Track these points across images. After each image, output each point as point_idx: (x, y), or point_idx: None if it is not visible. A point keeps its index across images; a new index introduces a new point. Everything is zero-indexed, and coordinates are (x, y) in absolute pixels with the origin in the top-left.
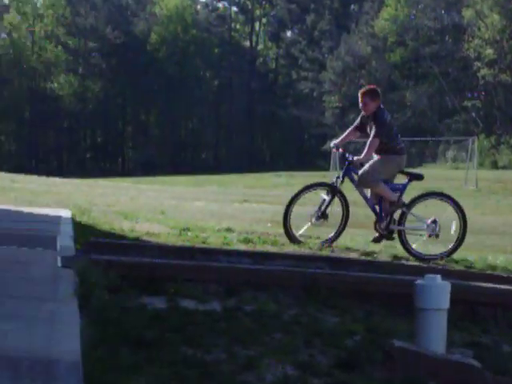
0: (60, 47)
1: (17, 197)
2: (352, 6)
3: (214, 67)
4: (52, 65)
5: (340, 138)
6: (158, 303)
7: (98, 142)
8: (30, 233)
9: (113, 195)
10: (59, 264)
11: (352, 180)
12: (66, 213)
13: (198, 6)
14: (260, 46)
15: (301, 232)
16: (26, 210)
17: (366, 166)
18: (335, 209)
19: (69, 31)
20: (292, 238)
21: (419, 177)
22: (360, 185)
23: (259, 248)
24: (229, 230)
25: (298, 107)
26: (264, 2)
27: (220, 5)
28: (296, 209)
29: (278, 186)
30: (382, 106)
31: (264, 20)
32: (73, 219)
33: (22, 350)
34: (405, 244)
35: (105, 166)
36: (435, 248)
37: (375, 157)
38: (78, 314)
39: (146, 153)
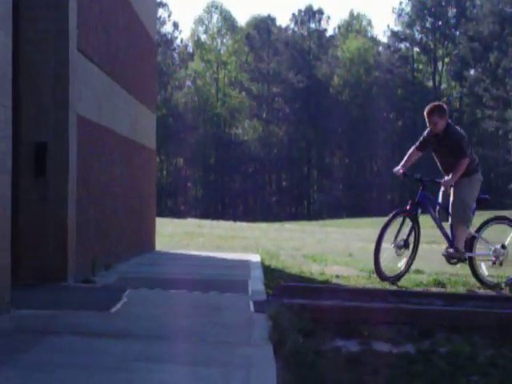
0: (244, 93)
1: (205, 242)
2: None
3: (398, 108)
4: (236, 111)
5: (403, 162)
6: (352, 346)
7: (284, 186)
8: (221, 278)
9: (300, 239)
10: (252, 309)
11: (426, 206)
12: (255, 257)
13: (380, 48)
14: (443, 86)
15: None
16: (216, 255)
17: (458, 201)
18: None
19: (252, 77)
20: (382, 276)
21: (485, 200)
22: (455, 223)
23: (450, 289)
24: (418, 271)
25: (483, 146)
26: (446, 42)
27: (402, 45)
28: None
29: None
30: (449, 121)
31: (447, 59)
32: (262, 263)
33: None
34: (475, 271)
35: (290, 210)
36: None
37: (462, 182)
38: (273, 358)
39: (332, 195)
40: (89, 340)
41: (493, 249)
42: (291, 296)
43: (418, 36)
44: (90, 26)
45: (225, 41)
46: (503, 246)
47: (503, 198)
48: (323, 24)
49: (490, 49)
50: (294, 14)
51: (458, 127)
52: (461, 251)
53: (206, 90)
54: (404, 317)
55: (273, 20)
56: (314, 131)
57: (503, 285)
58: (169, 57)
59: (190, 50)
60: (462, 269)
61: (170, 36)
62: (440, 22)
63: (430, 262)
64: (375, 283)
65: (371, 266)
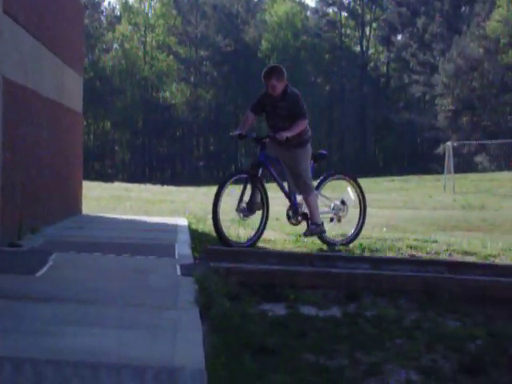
0: (171, 57)
1: (132, 206)
2: (463, 8)
3: (325, 73)
4: (164, 74)
5: (240, 125)
6: (278, 310)
7: (211, 150)
8: (148, 241)
9: (227, 202)
10: (178, 272)
11: (267, 166)
12: (182, 221)
13: (308, 12)
14: (371, 51)
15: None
16: (143, 218)
17: (297, 175)
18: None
19: (180, 40)
20: (223, 239)
21: (323, 156)
22: (304, 197)
23: (376, 253)
24: (344, 235)
25: (410, 111)
26: (374, 7)
27: (330, 10)
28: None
29: (392, 190)
30: (287, 83)
31: (374, 24)
32: (189, 227)
33: (145, 358)
34: None
35: (218, 174)
36: (335, 232)
37: (297, 153)
38: (199, 321)
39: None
40: (14, 303)
41: (332, 205)
42: (218, 260)
43: (345, 1)
44: None
45: (152, 4)
46: (343, 202)
47: (429, 163)
48: None
49: (417, 14)
50: None
51: (295, 89)
52: (321, 225)
53: (134, 53)
54: (330, 280)
55: None
56: (242, 95)
57: (339, 244)
58: (96, 20)
59: (118, 12)
60: (389, 233)
61: None
62: None
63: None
64: (302, 247)
65: (298, 229)
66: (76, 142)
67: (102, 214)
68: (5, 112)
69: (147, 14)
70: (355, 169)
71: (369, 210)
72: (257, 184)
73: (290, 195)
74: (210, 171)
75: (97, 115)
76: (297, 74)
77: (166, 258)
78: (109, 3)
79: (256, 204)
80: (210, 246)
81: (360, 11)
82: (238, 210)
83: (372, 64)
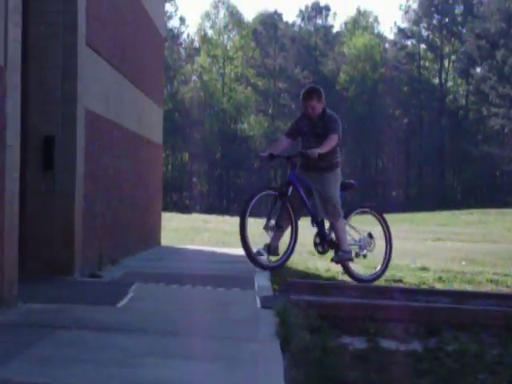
0: (250, 88)
1: (210, 237)
2: None
3: (404, 105)
4: (242, 106)
5: (275, 147)
6: (359, 343)
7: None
8: (227, 273)
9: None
10: (258, 304)
11: (296, 186)
12: None
13: (387, 45)
14: (449, 83)
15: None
16: (221, 250)
17: (326, 200)
18: None
19: (258, 72)
20: (257, 264)
21: (352, 186)
22: (332, 223)
23: (456, 287)
24: (424, 268)
25: (489, 144)
26: (453, 39)
27: (408, 42)
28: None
29: (471, 223)
30: (325, 105)
31: (453, 57)
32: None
33: None
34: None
35: None
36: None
37: (327, 176)
38: (280, 354)
39: None
40: (96, 335)
41: (359, 238)
42: (298, 292)
43: (424, 33)
44: (99, 20)
45: (231, 36)
46: (370, 235)
47: (508, 196)
48: (330, 20)
49: (496, 46)
50: (300, 10)
51: (333, 112)
52: (349, 252)
53: (212, 84)
54: (411, 314)
55: (279, 16)
56: None
57: (365, 280)
58: (175, 51)
59: (197, 44)
60: (467, 267)
61: (176, 31)
62: (447, 19)
63: (434, 259)
64: (381, 280)
65: (376, 263)
66: (155, 173)
67: (180, 246)
68: (87, 143)
69: (226, 46)
70: (433, 201)
71: (447, 244)
72: (285, 203)
73: (317, 220)
74: None
75: (175, 146)
76: (375, 106)
77: (245, 290)
78: (188, 35)
79: (285, 222)
80: (290, 278)
81: (439, 43)
82: (267, 228)
83: (451, 96)
